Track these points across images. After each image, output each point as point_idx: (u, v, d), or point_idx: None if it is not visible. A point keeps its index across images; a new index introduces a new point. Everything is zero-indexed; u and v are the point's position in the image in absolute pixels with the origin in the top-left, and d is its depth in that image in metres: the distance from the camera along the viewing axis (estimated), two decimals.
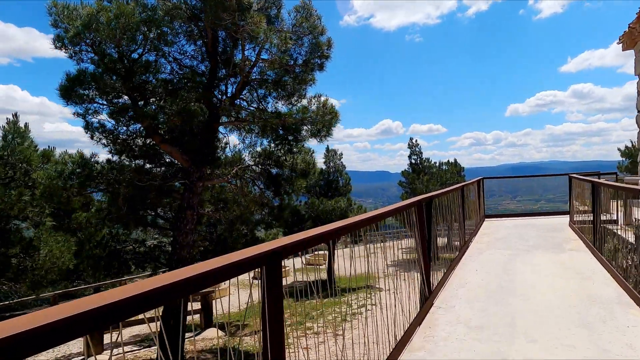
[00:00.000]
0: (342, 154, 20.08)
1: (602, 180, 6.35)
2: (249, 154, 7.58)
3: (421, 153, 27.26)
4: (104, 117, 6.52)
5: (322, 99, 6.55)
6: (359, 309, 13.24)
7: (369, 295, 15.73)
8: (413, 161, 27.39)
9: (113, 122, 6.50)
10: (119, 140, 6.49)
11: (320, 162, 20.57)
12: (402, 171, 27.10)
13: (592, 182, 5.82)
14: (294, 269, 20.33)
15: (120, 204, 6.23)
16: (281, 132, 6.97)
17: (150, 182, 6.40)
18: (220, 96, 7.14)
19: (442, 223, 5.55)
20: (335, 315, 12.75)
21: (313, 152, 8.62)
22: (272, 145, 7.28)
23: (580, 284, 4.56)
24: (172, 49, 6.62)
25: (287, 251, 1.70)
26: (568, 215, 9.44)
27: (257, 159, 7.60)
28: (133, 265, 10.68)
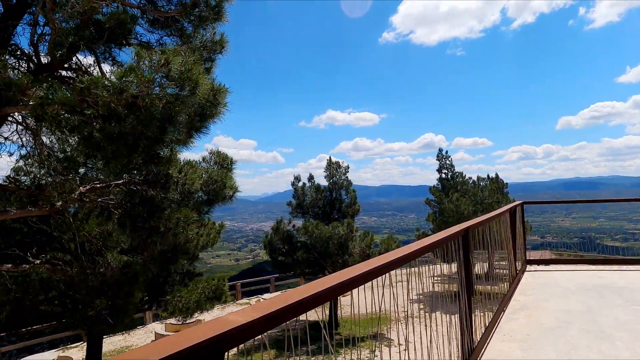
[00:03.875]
0: (348, 167, 16.62)
1: None
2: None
3: (452, 167, 23.11)
4: None
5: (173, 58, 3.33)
6: None
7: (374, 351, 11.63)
8: (443, 176, 23.28)
9: None
10: None
11: (320, 176, 17.18)
12: (430, 188, 23.03)
13: None
14: None
15: None
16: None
17: None
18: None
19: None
20: None
21: (231, 162, 5.40)
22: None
23: None
24: None
25: None
26: None
27: (110, 174, 4.51)
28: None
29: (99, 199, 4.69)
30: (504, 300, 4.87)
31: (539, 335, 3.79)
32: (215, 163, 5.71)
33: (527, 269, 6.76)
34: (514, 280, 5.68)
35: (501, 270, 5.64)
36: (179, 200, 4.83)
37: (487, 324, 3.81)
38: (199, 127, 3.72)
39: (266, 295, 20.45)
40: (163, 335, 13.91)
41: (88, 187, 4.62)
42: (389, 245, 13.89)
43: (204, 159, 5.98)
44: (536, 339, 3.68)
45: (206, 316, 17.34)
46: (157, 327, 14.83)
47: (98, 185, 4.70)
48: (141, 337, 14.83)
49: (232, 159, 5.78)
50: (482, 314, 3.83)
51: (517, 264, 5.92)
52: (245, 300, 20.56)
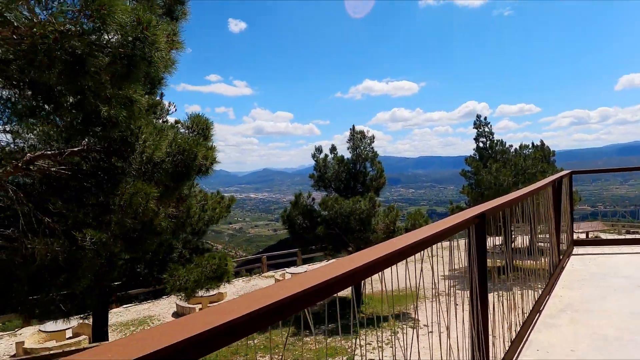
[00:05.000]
0: (373, 137, 15.41)
1: None
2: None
3: (492, 134, 21.15)
4: None
5: None
6: None
7: (396, 333, 11.06)
8: (481, 145, 21.40)
9: None
10: None
11: (341, 147, 16.12)
12: (466, 158, 21.29)
13: None
14: None
15: None
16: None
17: None
18: None
19: None
20: None
21: (207, 128, 4.47)
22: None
23: None
24: None
25: None
26: None
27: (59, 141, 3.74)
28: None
29: (53, 169, 4.03)
30: (541, 296, 3.80)
31: (589, 351, 2.74)
32: (188, 129, 4.89)
33: (573, 252, 5.55)
34: (556, 268, 4.54)
35: (540, 244, 4.52)
36: (143, 172, 4.10)
37: (513, 337, 2.81)
38: (125, 74, 2.86)
39: (292, 269, 20.16)
40: (183, 307, 13.92)
41: (37, 154, 3.96)
42: (415, 220, 12.81)
43: (178, 122, 5.16)
44: (585, 358, 2.64)
45: (230, 288, 17.32)
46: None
47: (49, 153, 4.03)
48: (164, 307, 14.99)
49: (210, 123, 4.89)
50: (507, 315, 2.83)
51: (557, 249, 4.74)
52: (271, 272, 20.41)
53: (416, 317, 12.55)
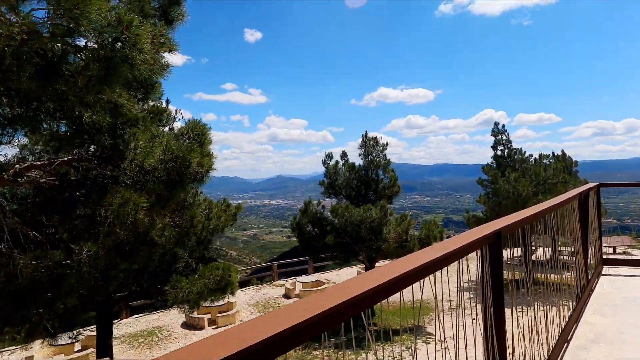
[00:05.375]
0: (387, 144, 15.05)
1: None
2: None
3: (510, 142, 20.51)
4: None
5: None
6: None
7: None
8: (499, 153, 20.76)
9: None
10: None
11: (354, 154, 15.78)
12: (483, 167, 20.67)
13: None
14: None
15: None
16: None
17: None
18: None
19: None
20: None
21: (203, 134, 4.29)
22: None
23: None
24: None
25: None
26: None
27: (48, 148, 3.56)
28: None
29: (42, 180, 3.85)
30: (569, 322, 3.38)
31: None
32: (183, 135, 4.69)
33: (603, 272, 5.08)
34: (584, 290, 4.10)
35: (565, 258, 4.07)
36: (135, 181, 3.88)
37: None
38: (103, 77, 2.62)
39: (302, 278, 19.81)
40: (192, 318, 13.72)
41: (25, 165, 3.78)
42: (429, 230, 12.34)
43: (183, 129, 4.99)
44: None
45: (240, 297, 17.08)
46: None
47: (39, 163, 3.85)
48: (174, 317, 14.82)
49: (206, 129, 4.67)
50: (529, 346, 2.45)
51: (583, 270, 4.29)
52: (282, 281, 20.10)
53: (415, 329, 12.06)
